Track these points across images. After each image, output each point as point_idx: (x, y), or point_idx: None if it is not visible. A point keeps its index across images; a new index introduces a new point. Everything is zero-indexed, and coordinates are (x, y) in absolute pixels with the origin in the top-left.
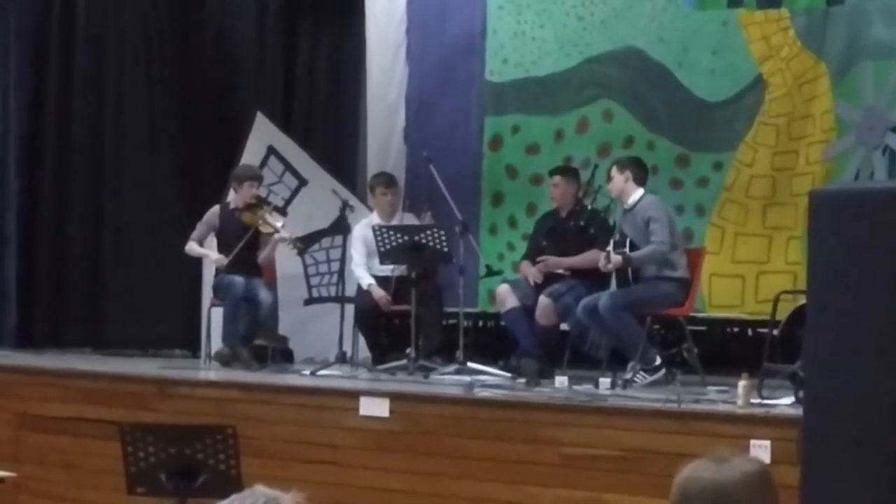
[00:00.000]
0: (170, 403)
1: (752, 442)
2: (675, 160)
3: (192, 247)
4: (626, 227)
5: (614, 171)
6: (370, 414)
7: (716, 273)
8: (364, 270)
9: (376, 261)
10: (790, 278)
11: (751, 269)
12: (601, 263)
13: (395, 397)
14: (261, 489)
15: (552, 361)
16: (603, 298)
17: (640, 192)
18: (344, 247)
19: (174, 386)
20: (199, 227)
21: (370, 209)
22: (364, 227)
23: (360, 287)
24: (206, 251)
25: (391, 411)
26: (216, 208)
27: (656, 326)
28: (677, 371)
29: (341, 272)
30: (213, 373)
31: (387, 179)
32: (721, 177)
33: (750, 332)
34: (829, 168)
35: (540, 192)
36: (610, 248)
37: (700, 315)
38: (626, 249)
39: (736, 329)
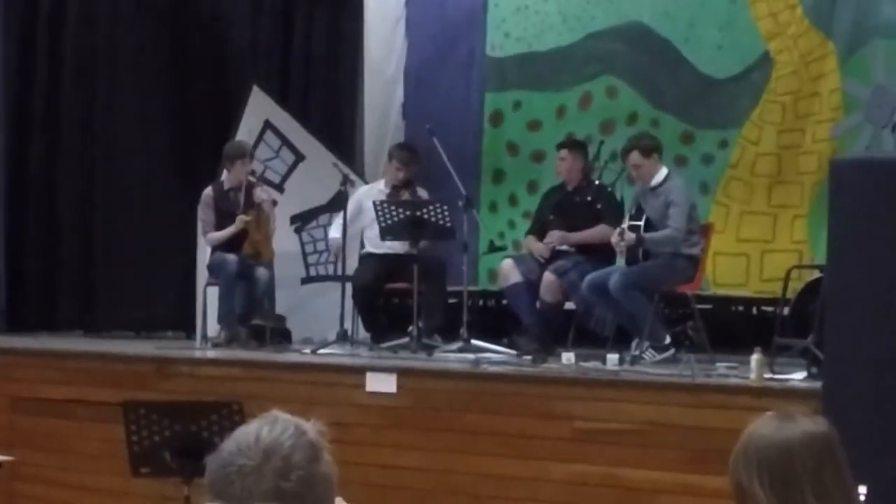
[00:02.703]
0: (170, 383)
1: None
2: (680, 137)
3: (211, 236)
4: (647, 204)
5: (639, 159)
6: (377, 390)
7: (720, 251)
8: (338, 229)
9: (375, 232)
10: (795, 257)
11: (756, 247)
12: (614, 239)
13: (402, 373)
14: (283, 416)
15: (555, 339)
16: (614, 277)
17: (664, 171)
18: (344, 221)
19: (174, 365)
20: (204, 216)
21: (366, 183)
22: (364, 194)
23: (358, 265)
24: (226, 231)
25: (399, 387)
26: (209, 190)
27: (661, 304)
28: (687, 345)
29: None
30: (214, 351)
31: (407, 156)
32: (726, 154)
33: (755, 310)
34: (835, 146)
35: (541, 169)
36: (625, 224)
37: (705, 293)
38: (642, 224)
39: (741, 307)
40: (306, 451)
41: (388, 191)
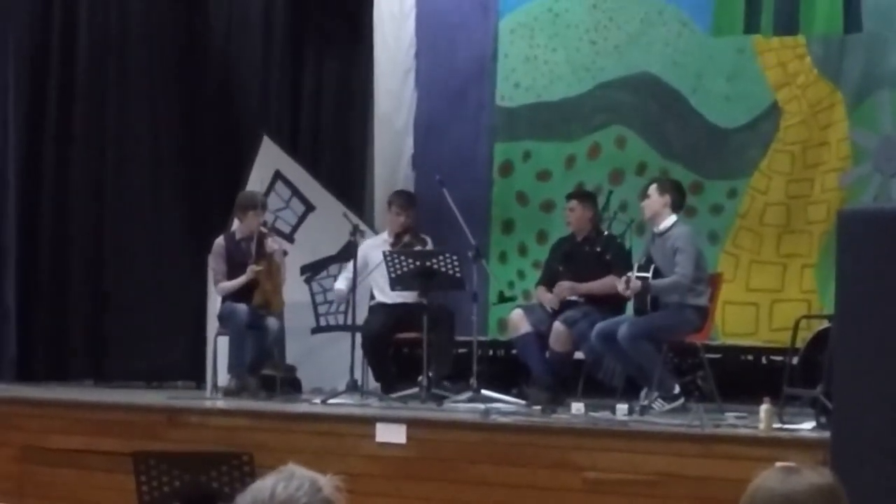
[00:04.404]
0: (180, 433)
1: (777, 465)
2: (689, 187)
3: (222, 286)
4: (654, 250)
5: (654, 191)
6: (387, 441)
7: (730, 301)
8: (344, 281)
9: (385, 282)
10: (805, 306)
11: (765, 297)
12: (621, 287)
13: (412, 423)
14: (300, 471)
15: (565, 389)
16: (622, 327)
17: (673, 218)
18: (354, 274)
19: (184, 415)
20: (216, 266)
21: (376, 233)
22: (369, 246)
23: (367, 314)
24: (237, 281)
25: (408, 438)
26: (221, 239)
27: (670, 354)
28: (696, 395)
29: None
30: (224, 401)
31: (405, 201)
32: (735, 204)
33: (764, 360)
34: (844, 196)
35: (551, 219)
36: (633, 272)
37: (714, 343)
38: (650, 274)
39: (750, 357)
40: None
41: (391, 240)
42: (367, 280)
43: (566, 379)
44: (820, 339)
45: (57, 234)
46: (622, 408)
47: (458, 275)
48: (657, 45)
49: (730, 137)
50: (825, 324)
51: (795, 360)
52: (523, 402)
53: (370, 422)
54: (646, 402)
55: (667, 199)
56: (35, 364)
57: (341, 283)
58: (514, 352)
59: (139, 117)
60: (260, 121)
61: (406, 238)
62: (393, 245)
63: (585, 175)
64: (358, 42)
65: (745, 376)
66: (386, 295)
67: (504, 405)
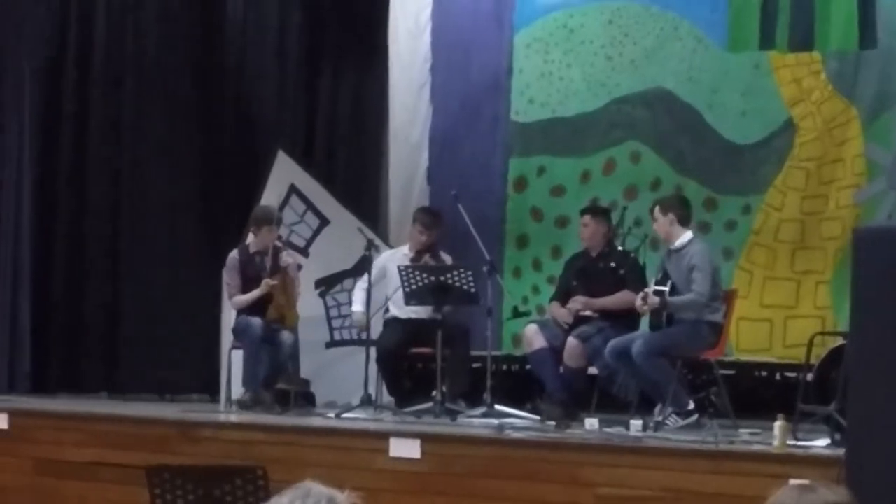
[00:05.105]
0: (194, 447)
1: (791, 482)
2: (704, 203)
3: (237, 300)
4: (671, 267)
5: (658, 213)
6: (401, 455)
7: (744, 317)
8: (361, 294)
9: (400, 296)
10: (819, 323)
11: (779, 313)
12: (637, 304)
13: (426, 438)
14: (317, 488)
15: (579, 404)
16: (637, 343)
17: (688, 234)
18: (369, 288)
19: (198, 429)
20: (230, 279)
21: (391, 248)
22: (388, 259)
23: (382, 329)
24: (252, 295)
25: (422, 452)
26: (235, 253)
27: (684, 370)
28: (710, 411)
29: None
30: (238, 415)
31: (429, 220)
32: (749, 220)
33: (778, 376)
34: (859, 212)
35: (565, 234)
36: (650, 288)
37: (728, 359)
38: (667, 290)
39: (764, 373)
40: None
41: (411, 255)
42: (383, 294)
43: (580, 394)
44: (834, 355)
45: (71, 247)
46: (636, 423)
47: (472, 290)
48: (672, 61)
49: (745, 153)
50: (839, 340)
51: (810, 377)
52: (537, 417)
53: (384, 436)
54: (660, 418)
55: (671, 216)
56: (49, 376)
57: (358, 305)
58: (528, 367)
59: (155, 132)
60: (275, 135)
61: (426, 257)
62: (413, 261)
63: (600, 190)
64: (373, 56)
65: (760, 393)
66: (401, 309)
67: (518, 420)
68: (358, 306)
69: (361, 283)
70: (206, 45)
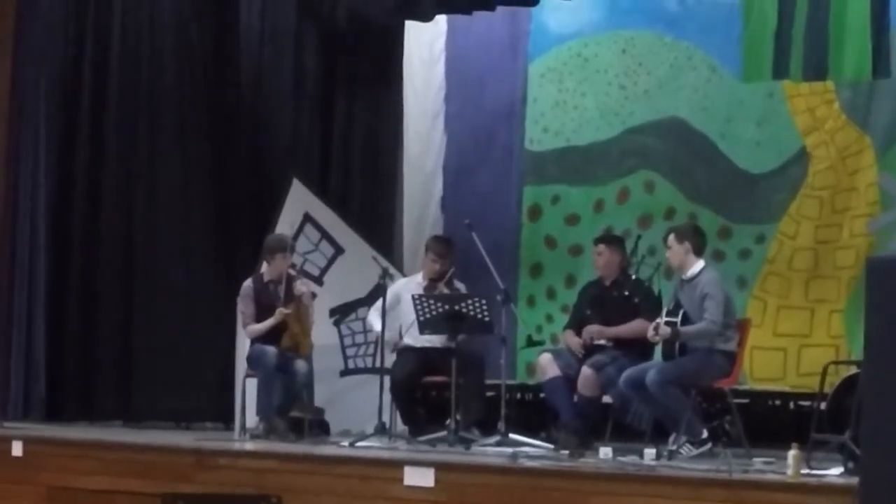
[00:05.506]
0: (208, 475)
1: None
2: (718, 232)
3: (251, 329)
4: (683, 297)
5: (673, 242)
6: (415, 484)
7: (757, 346)
8: (377, 316)
9: (414, 325)
10: (833, 352)
11: (793, 342)
12: (649, 333)
13: (440, 467)
14: None
15: (593, 433)
16: (651, 373)
17: (700, 264)
18: (383, 316)
19: (213, 457)
20: (245, 308)
21: (405, 276)
22: (402, 287)
23: (396, 358)
24: (266, 324)
25: (436, 481)
26: (249, 282)
27: (698, 399)
28: (724, 440)
29: (379, 342)
30: (252, 443)
31: (443, 249)
32: (763, 249)
33: (792, 404)
34: (873, 241)
35: (579, 263)
36: (662, 318)
37: (742, 388)
38: (679, 320)
39: (778, 402)
40: None
41: (425, 283)
42: (397, 319)
43: (594, 423)
44: (848, 384)
45: (86, 274)
46: (650, 452)
47: (486, 318)
48: (686, 90)
49: (758, 182)
50: (853, 369)
51: (823, 406)
52: (551, 445)
53: (398, 465)
54: (674, 447)
55: (686, 245)
56: (64, 404)
57: (377, 324)
58: (542, 396)
59: (169, 161)
60: (290, 163)
61: (440, 286)
62: (426, 289)
63: (614, 219)
64: (387, 85)
65: (773, 421)
66: (415, 338)
67: (532, 449)
68: (377, 325)
69: (375, 307)
70: (221, 75)
